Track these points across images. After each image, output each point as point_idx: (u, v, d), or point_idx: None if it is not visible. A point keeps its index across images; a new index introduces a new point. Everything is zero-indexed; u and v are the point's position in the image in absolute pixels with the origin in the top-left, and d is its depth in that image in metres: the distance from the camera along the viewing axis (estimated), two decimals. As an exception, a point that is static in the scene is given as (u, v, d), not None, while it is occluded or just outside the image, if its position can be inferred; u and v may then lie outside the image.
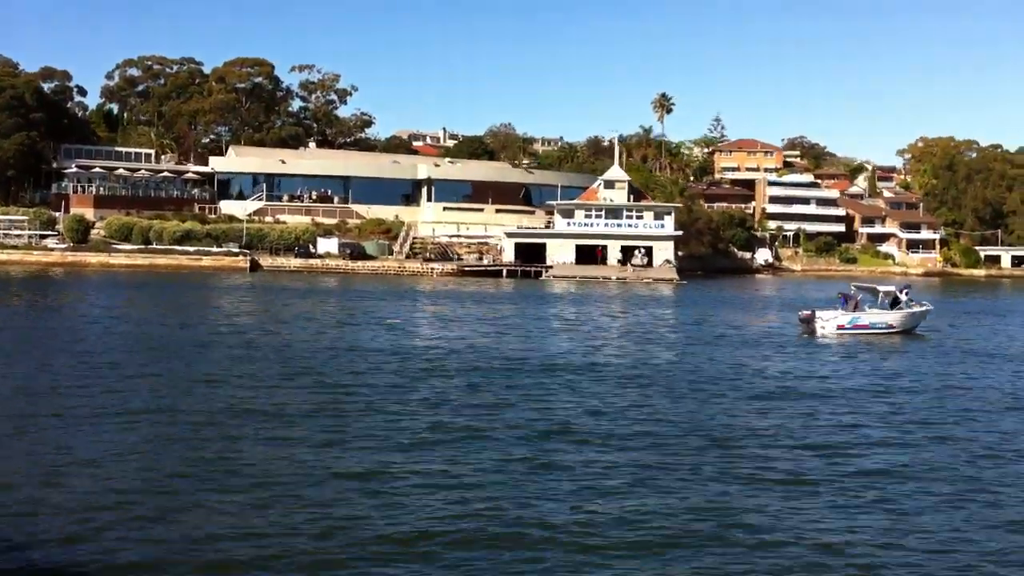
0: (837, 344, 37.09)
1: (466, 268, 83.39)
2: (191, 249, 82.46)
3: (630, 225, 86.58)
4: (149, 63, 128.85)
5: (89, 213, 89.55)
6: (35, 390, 21.53)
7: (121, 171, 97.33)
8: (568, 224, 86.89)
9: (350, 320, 41.95)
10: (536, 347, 33.29)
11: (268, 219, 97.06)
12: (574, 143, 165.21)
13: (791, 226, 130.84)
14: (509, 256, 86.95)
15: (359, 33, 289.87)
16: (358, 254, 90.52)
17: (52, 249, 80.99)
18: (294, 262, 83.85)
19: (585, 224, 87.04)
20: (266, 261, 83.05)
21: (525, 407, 21.41)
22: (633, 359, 30.81)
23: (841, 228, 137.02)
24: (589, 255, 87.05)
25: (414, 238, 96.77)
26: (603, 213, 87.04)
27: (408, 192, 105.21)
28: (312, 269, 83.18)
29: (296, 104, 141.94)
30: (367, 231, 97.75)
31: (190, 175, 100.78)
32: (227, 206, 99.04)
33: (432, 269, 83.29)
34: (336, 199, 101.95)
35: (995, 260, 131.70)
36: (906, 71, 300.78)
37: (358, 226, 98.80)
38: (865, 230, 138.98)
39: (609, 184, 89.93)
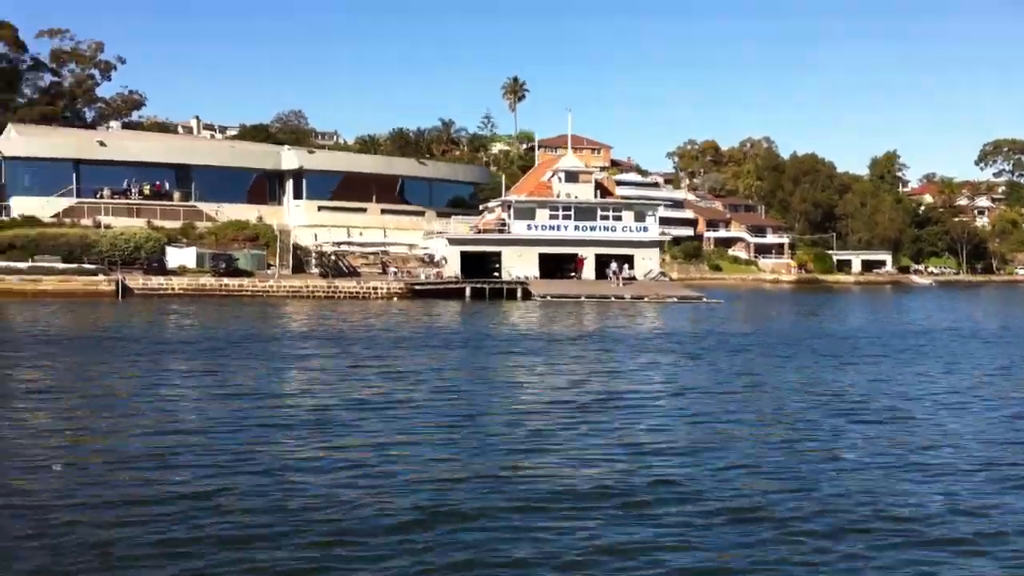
0: None
1: (416, 287, 61.98)
2: (22, 266, 54.66)
3: (607, 228, 67.90)
4: None
5: None
6: None
7: None
8: (528, 227, 66.98)
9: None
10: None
11: (85, 221, 69.81)
12: (375, 135, 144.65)
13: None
14: (455, 268, 66.16)
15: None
16: (232, 269, 66.46)
17: None
18: (176, 282, 58.47)
19: (550, 227, 67.38)
20: (135, 282, 57.02)
21: None
22: None
23: (691, 232, 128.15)
24: (554, 266, 68.07)
25: (294, 246, 73.50)
26: (572, 213, 67.72)
27: (250, 187, 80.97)
28: (205, 292, 58.32)
29: (47, 78, 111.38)
30: (227, 237, 73.05)
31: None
32: (21, 204, 70.07)
33: (375, 289, 61.05)
34: (177, 195, 75.92)
35: (846, 264, 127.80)
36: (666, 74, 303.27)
37: (212, 231, 73.76)
38: (711, 234, 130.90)
39: (571, 176, 70.19)
